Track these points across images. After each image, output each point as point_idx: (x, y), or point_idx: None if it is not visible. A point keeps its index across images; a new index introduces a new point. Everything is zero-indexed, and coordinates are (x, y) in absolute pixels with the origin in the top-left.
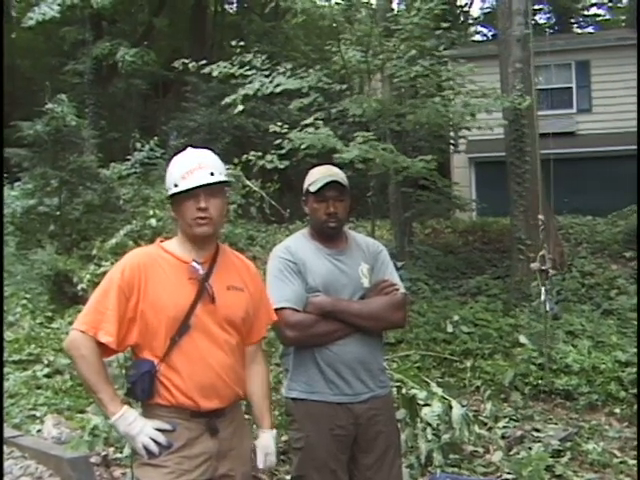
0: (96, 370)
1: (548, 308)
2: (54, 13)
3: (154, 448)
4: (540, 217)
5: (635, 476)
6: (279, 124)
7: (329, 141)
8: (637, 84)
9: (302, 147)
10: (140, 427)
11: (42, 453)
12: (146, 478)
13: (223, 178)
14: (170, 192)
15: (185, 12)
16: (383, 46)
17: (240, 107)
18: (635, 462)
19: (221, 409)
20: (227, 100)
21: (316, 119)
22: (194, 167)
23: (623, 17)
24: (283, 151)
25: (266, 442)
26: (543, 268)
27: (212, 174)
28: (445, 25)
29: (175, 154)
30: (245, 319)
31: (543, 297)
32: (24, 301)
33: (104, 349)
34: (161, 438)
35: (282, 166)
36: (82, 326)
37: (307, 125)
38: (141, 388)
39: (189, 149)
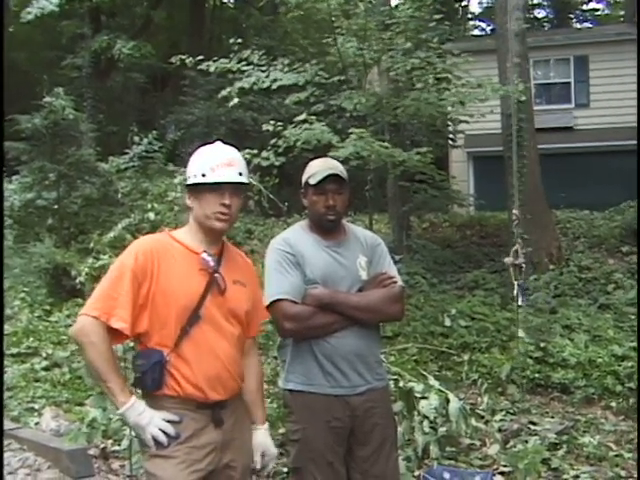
0: (106, 358)
1: (520, 302)
2: (53, 7)
3: (163, 439)
4: (515, 212)
5: (630, 469)
6: (272, 122)
7: (324, 136)
8: (637, 79)
9: (297, 143)
10: (149, 418)
11: (41, 445)
12: (157, 470)
13: (247, 180)
14: (194, 180)
15: (183, 6)
16: (379, 39)
17: (235, 100)
18: (630, 455)
19: (224, 400)
20: (223, 93)
21: (310, 115)
22: (225, 162)
23: (622, 12)
24: (280, 150)
25: (262, 440)
26: (516, 263)
27: (240, 174)
28: (438, 17)
29: (200, 146)
30: (247, 313)
31: (515, 291)
32: (22, 294)
33: (112, 336)
34: (170, 429)
35: (278, 163)
36: (94, 312)
37: (301, 121)
38: (151, 378)
39: (219, 143)
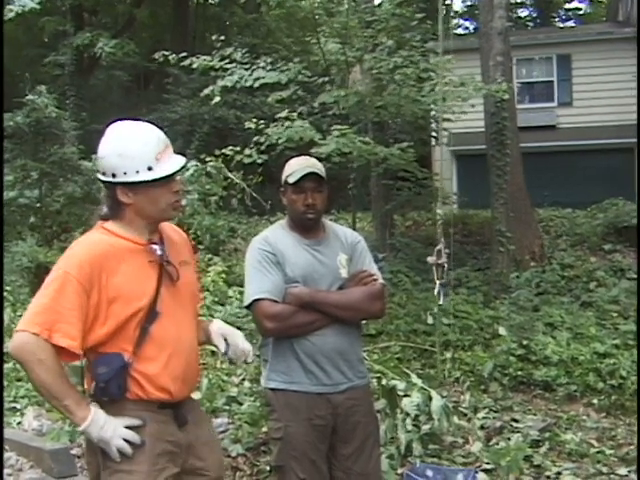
0: (58, 374)
1: (442, 301)
2: (34, 5)
3: (129, 451)
4: (439, 212)
5: (612, 465)
6: (255, 121)
7: (306, 134)
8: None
9: (280, 141)
10: (112, 429)
11: (23, 445)
12: None
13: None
14: (140, 177)
15: (167, 3)
16: (360, 37)
17: (217, 98)
18: (612, 452)
19: (186, 398)
20: (206, 92)
21: (291, 112)
22: (163, 147)
23: (604, 10)
24: (262, 147)
25: (219, 324)
26: (439, 262)
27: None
28: (420, 15)
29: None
30: (197, 292)
31: (437, 290)
32: (4, 293)
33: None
34: (135, 437)
35: (260, 160)
36: (34, 327)
37: (284, 119)
38: (117, 385)
39: (138, 123)
